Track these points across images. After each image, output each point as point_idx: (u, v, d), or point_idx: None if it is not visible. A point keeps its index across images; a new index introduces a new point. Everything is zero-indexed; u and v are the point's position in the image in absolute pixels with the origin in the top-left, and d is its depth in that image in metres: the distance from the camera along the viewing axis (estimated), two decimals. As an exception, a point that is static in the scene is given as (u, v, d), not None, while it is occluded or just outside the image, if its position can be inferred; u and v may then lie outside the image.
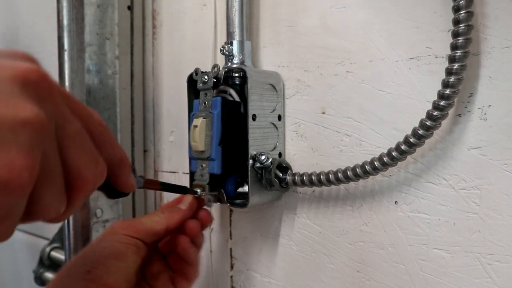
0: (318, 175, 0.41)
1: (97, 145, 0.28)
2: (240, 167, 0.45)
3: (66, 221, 0.56)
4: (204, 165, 0.45)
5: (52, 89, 0.24)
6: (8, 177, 0.20)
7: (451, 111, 0.35)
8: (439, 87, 0.34)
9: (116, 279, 0.36)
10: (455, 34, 0.33)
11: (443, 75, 0.34)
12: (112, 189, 0.34)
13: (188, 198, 0.44)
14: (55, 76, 0.55)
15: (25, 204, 0.22)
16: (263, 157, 0.43)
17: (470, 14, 0.32)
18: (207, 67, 0.49)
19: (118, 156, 0.31)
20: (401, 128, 0.40)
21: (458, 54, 0.33)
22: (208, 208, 0.46)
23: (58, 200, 0.24)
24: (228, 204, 0.46)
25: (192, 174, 0.47)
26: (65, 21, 0.53)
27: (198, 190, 0.45)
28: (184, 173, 0.61)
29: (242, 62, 0.46)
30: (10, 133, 0.20)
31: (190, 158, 0.47)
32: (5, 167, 0.20)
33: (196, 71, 0.46)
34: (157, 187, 0.42)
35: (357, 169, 0.38)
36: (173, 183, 0.62)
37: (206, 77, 0.45)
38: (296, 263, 0.48)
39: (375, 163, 0.37)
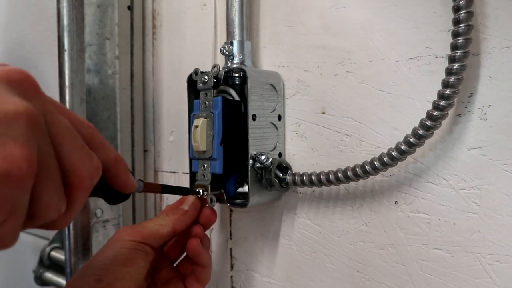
0: (318, 175, 0.41)
1: (89, 146, 0.27)
2: (240, 167, 0.45)
3: (66, 221, 0.56)
4: (205, 165, 0.45)
5: (36, 87, 0.24)
6: (8, 168, 0.20)
7: (451, 111, 0.35)
8: (439, 87, 0.34)
9: (126, 286, 0.36)
10: (455, 34, 0.33)
11: (443, 75, 0.34)
12: (112, 193, 0.34)
13: (191, 199, 0.44)
14: (55, 76, 0.55)
15: (28, 201, 0.22)
16: (263, 157, 0.43)
17: (470, 14, 0.32)
18: (207, 67, 0.49)
19: (112, 156, 0.31)
20: (401, 128, 0.40)
21: (458, 54, 0.33)
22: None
23: (58, 197, 0.24)
24: (228, 204, 0.46)
25: (192, 174, 0.47)
26: (65, 21, 0.53)
27: (201, 190, 0.45)
28: (184, 173, 0.61)
29: (242, 62, 0.46)
30: (4, 126, 0.20)
31: (191, 159, 0.47)
32: (4, 158, 0.20)
33: (196, 71, 0.46)
34: (158, 190, 0.42)
35: (357, 169, 0.38)
36: (173, 183, 0.62)
37: (206, 77, 0.45)
38: (296, 263, 0.48)
39: (375, 163, 0.37)
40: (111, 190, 0.33)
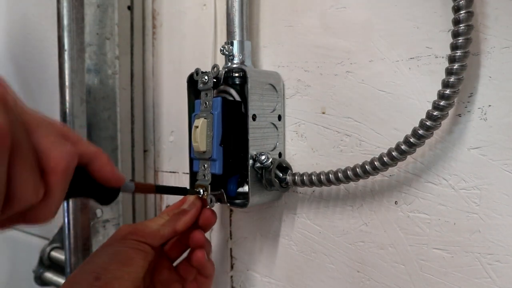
0: (318, 175, 0.41)
1: (65, 140, 0.28)
2: (240, 167, 0.45)
3: (66, 221, 0.56)
4: (206, 165, 0.45)
5: (5, 88, 0.25)
6: None
7: (451, 111, 0.35)
8: (439, 87, 0.34)
9: (124, 285, 0.36)
10: (455, 34, 0.33)
11: (443, 75, 0.34)
12: (101, 190, 0.34)
13: (191, 199, 0.44)
14: (55, 76, 0.55)
15: (4, 175, 0.23)
16: (263, 157, 0.43)
17: (470, 14, 0.32)
18: (207, 67, 0.49)
19: (92, 149, 0.31)
20: (401, 128, 0.40)
21: (458, 54, 0.33)
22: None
23: (33, 178, 0.25)
24: (228, 204, 0.46)
25: (193, 174, 0.47)
26: (65, 21, 0.53)
27: (201, 190, 0.45)
28: (184, 173, 0.61)
29: (242, 62, 0.46)
30: None
31: (192, 159, 0.47)
32: None
33: (197, 71, 0.46)
34: (152, 191, 0.41)
35: (357, 169, 0.38)
36: (173, 183, 0.62)
37: (206, 77, 0.45)
38: (296, 263, 0.48)
39: (375, 163, 0.37)
40: (99, 186, 0.33)
